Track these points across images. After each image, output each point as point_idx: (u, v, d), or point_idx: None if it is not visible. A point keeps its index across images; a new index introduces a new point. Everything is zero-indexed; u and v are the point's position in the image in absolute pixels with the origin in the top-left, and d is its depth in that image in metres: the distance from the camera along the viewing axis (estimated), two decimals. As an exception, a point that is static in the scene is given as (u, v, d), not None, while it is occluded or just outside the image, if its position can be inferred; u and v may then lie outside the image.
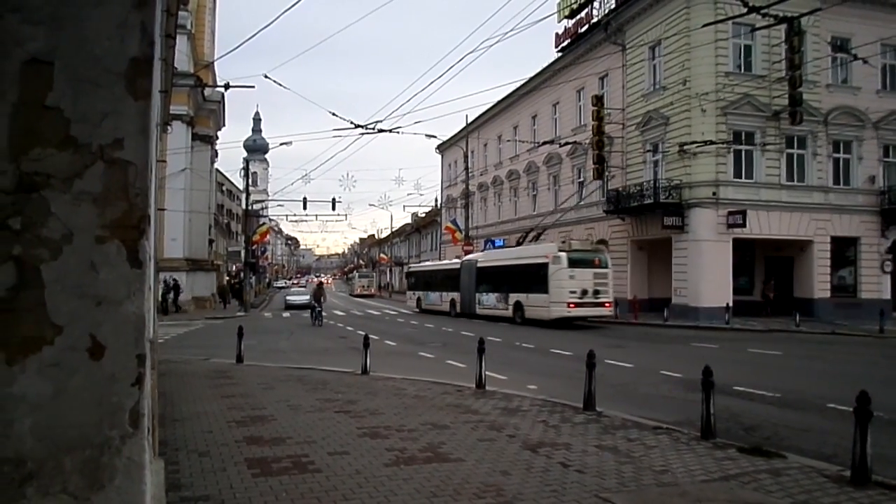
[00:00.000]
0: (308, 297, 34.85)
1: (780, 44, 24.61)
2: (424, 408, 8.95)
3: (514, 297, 27.70)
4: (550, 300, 25.04)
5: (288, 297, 45.52)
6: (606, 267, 25.77)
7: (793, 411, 9.54)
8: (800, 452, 6.99)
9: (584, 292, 24.67)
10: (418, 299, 38.90)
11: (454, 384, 10.91)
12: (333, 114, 26.01)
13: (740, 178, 27.10)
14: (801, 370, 14.17)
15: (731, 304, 25.34)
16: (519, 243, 31.65)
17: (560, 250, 25.67)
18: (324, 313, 28.00)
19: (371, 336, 13.74)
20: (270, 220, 76.84)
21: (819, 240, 27.73)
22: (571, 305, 24.52)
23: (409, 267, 51.43)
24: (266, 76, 18.99)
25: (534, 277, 26.14)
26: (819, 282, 27.74)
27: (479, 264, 32.36)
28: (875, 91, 28.71)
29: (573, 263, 24.97)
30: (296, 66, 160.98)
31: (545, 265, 25.56)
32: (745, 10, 13.24)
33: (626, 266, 31.27)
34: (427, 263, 48.42)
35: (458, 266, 34.33)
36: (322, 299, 27.85)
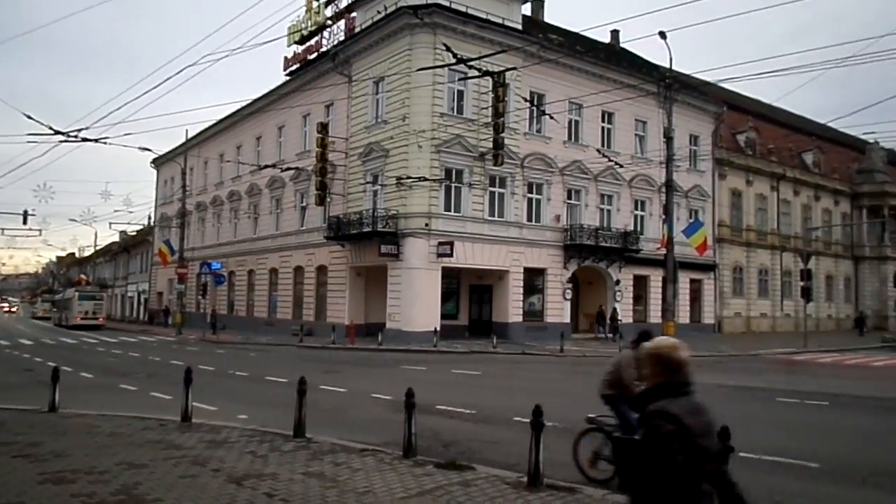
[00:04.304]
0: None
1: (488, 92, 27.32)
2: (121, 446, 8.28)
3: (69, 314, 49.72)
4: (72, 314, 48.49)
5: None
6: (102, 300, 51.58)
7: (485, 426, 10.56)
8: (488, 463, 7.76)
9: (87, 312, 48.11)
10: (53, 318, 60.84)
11: (157, 418, 10.23)
12: (29, 116, 22.88)
13: (450, 211, 29.29)
14: (496, 387, 15.70)
15: (438, 329, 27.16)
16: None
17: (76, 291, 51.36)
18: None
19: (64, 367, 12.36)
20: (-62, 232, 65.07)
21: (514, 270, 30.98)
22: (79, 318, 47.40)
23: (55, 297, 71.50)
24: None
25: (70, 303, 50.50)
26: (513, 307, 30.93)
27: (64, 297, 56.94)
28: (562, 142, 33.06)
29: (82, 297, 49.32)
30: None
31: (73, 297, 49.95)
32: (454, 60, 14.53)
33: (345, 292, 31.96)
34: (57, 295, 69.01)
35: (62, 296, 59.50)
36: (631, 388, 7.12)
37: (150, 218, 61.55)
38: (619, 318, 33.09)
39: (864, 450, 9.54)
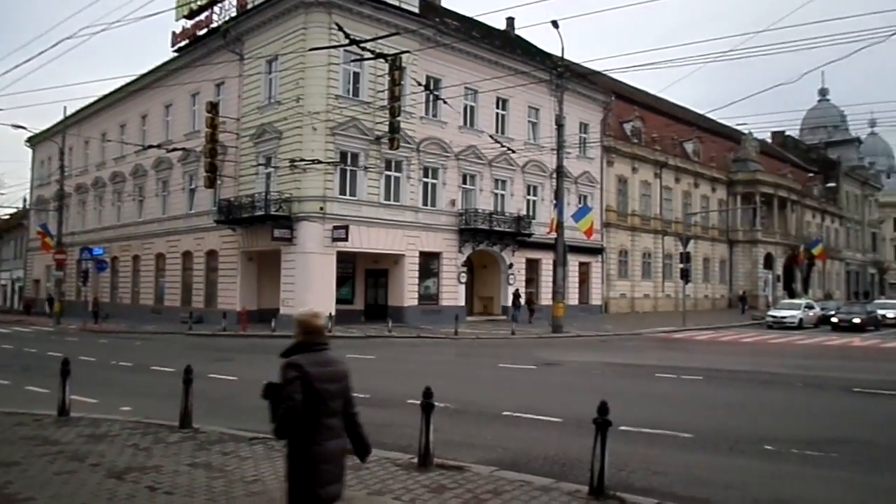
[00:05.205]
0: None
1: (384, 76, 27.09)
2: (-10, 444, 7.80)
3: None
4: None
5: None
6: None
7: (379, 409, 10.61)
8: (381, 446, 7.80)
9: None
10: None
11: (32, 413, 9.67)
12: None
13: (345, 194, 28.97)
14: (390, 371, 15.80)
15: (334, 314, 26.90)
16: None
17: None
18: None
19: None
20: None
21: (410, 254, 31.09)
22: None
23: None
24: None
25: None
26: (409, 291, 31.06)
27: None
28: (458, 127, 33.34)
29: None
30: None
31: None
32: (346, 41, 14.38)
33: (237, 278, 31.13)
34: None
35: None
36: None
37: (25, 200, 57.87)
38: (536, 301, 34.45)
39: (733, 420, 10.30)
